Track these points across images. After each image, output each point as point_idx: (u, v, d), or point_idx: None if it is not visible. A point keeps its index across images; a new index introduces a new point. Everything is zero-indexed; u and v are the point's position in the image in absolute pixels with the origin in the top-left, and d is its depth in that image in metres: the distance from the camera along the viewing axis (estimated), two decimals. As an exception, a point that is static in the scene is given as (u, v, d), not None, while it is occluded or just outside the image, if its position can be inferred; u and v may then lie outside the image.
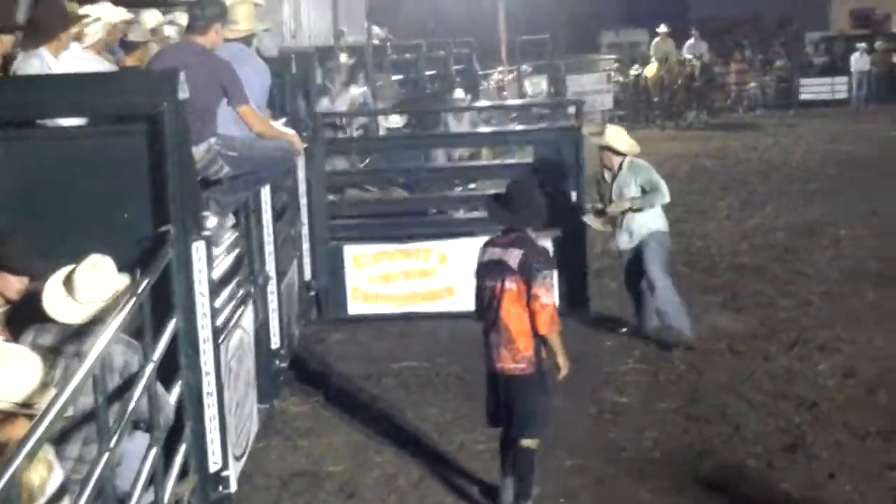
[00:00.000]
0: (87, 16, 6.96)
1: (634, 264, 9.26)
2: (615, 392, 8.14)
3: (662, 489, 6.47)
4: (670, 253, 9.55)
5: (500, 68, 26.46)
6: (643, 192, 9.14)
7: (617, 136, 9.32)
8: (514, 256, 5.99)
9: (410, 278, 10.33)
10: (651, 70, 27.42)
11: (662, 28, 27.43)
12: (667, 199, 9.27)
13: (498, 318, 6.03)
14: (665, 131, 26.05)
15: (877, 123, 25.20)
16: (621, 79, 30.27)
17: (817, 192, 16.24)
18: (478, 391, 7.49)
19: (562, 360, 6.10)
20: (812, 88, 30.96)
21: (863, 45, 30.36)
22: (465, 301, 8.12)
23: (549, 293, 6.01)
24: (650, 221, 9.17)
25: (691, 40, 28.73)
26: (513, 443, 6.12)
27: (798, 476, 6.53)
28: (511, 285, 5.98)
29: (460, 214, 11.27)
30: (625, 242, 9.28)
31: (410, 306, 10.34)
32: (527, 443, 6.06)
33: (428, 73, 20.11)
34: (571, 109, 13.92)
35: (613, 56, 33.07)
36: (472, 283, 6.40)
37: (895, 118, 25.89)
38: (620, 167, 9.20)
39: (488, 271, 6.14)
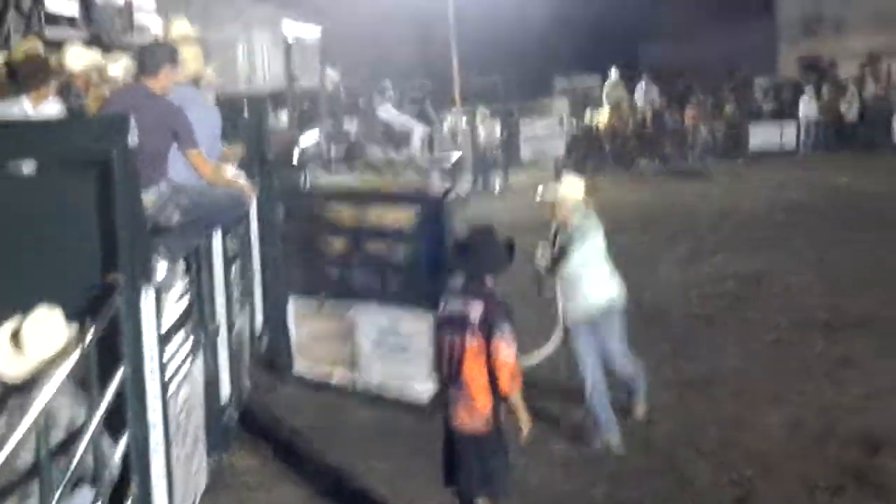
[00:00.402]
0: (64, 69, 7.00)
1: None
2: (566, 443, 8.12)
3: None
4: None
5: (454, 109, 26.36)
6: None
7: (574, 186, 8.20)
8: (475, 310, 5.86)
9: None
10: (603, 117, 27.66)
11: (613, 73, 27.70)
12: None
13: (459, 373, 5.88)
14: (616, 178, 26.26)
15: (823, 171, 25.56)
16: (574, 121, 30.45)
17: (766, 240, 16.38)
18: (429, 446, 7.45)
19: (523, 419, 5.97)
20: (761, 134, 31.36)
21: (810, 89, 30.85)
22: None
23: (510, 348, 5.81)
24: (608, 291, 8.11)
25: (642, 85, 29.03)
26: (469, 501, 6.01)
27: (749, 530, 6.55)
28: (472, 341, 5.84)
29: None
30: (577, 317, 8.15)
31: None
32: (482, 502, 5.97)
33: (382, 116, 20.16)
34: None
35: (566, 99, 33.28)
36: (432, 339, 6.29)
37: (841, 166, 26.31)
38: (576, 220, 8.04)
39: (449, 325, 5.99)
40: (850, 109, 31.07)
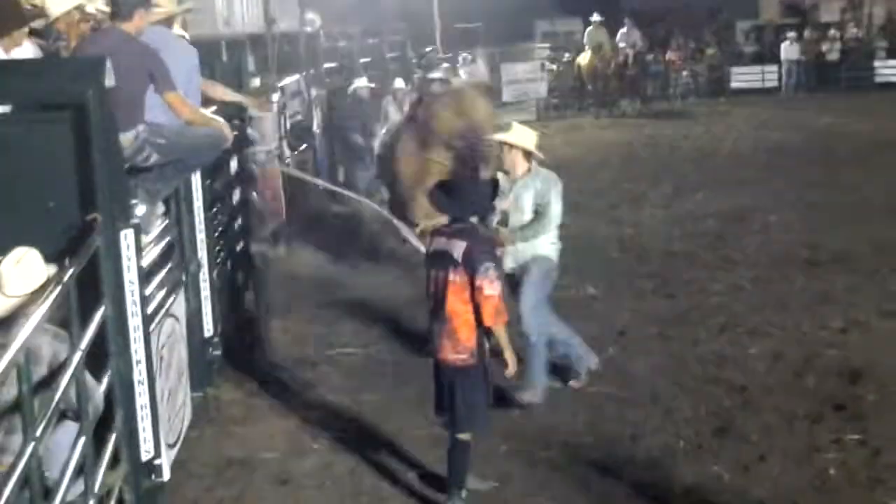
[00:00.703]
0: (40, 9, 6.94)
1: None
2: (548, 378, 8.18)
3: (595, 472, 6.53)
4: (553, 285, 8.04)
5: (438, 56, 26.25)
6: (535, 213, 7.71)
7: (525, 135, 7.87)
8: (457, 247, 5.98)
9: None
10: (584, 59, 27.62)
11: (596, 17, 27.62)
12: (550, 229, 7.75)
13: (442, 308, 6.02)
14: (598, 119, 26.32)
15: (805, 111, 25.65)
16: (555, 67, 30.40)
17: (747, 179, 16.45)
18: (415, 377, 7.56)
19: (508, 353, 6.11)
20: (743, 77, 31.39)
21: (792, 33, 30.81)
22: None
23: (493, 284, 5.94)
24: (535, 244, 7.79)
25: (624, 29, 28.95)
26: (454, 434, 6.11)
27: (728, 458, 6.62)
28: (454, 276, 5.97)
29: None
30: (507, 264, 7.77)
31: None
32: (463, 436, 6.09)
33: (362, 60, 20.02)
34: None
35: (547, 45, 33.22)
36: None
37: (823, 106, 26.41)
38: (526, 173, 7.78)
39: (434, 261, 6.15)
40: (831, 51, 31.05)
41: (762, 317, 9.41)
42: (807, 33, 31.64)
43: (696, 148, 20.57)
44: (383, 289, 10.76)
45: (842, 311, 9.45)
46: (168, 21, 7.48)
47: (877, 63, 30.63)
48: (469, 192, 6.31)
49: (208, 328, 7.91)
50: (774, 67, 30.83)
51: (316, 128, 15.76)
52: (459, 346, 6.00)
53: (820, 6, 38.46)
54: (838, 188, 15.21)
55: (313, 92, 15.72)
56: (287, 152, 13.93)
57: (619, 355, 8.62)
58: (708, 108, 27.70)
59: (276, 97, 13.41)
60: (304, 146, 14.91)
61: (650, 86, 30.03)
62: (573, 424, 7.28)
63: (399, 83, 15.92)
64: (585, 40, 28.29)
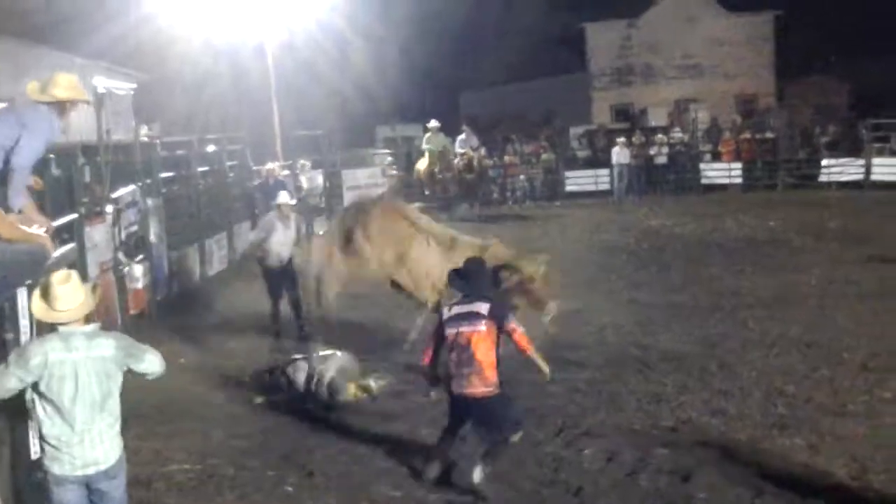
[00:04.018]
0: None
1: None
2: (390, 486, 8.15)
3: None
4: None
5: (276, 163, 26.33)
6: None
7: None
8: (482, 307, 8.02)
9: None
10: (423, 164, 28.06)
11: (433, 123, 28.15)
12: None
13: (469, 354, 7.91)
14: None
15: (636, 213, 26.54)
16: (395, 172, 30.83)
17: (581, 280, 16.84)
18: (252, 491, 7.41)
19: (542, 365, 8.17)
20: (577, 180, 32.39)
21: (622, 138, 32.01)
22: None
23: (521, 326, 8.12)
24: None
25: (462, 136, 29.55)
26: (501, 440, 8.04)
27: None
28: (482, 327, 7.95)
29: None
30: None
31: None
32: (515, 438, 8.09)
33: (200, 169, 19.89)
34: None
35: (388, 151, 33.71)
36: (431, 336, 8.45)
37: (653, 208, 27.44)
38: None
39: (459, 319, 8.04)
40: (659, 154, 32.37)
41: (596, 418, 9.60)
42: (635, 138, 32.90)
43: (532, 250, 20.95)
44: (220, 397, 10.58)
45: (671, 411, 9.73)
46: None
47: (702, 166, 32.02)
48: (479, 275, 8.43)
49: (35, 451, 7.57)
50: (607, 171, 31.87)
51: (153, 238, 15.52)
52: (488, 382, 7.93)
53: (648, 111, 40.26)
54: (668, 288, 15.77)
55: (150, 202, 15.51)
56: (124, 262, 13.68)
57: (459, 461, 8.63)
58: (544, 211, 28.40)
59: (109, 208, 13.20)
60: (140, 257, 14.66)
61: (488, 189, 30.64)
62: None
63: (284, 197, 14.98)
64: (424, 145, 28.77)
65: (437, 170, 27.58)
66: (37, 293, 5.94)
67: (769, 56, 42.42)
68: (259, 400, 10.62)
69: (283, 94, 29.74)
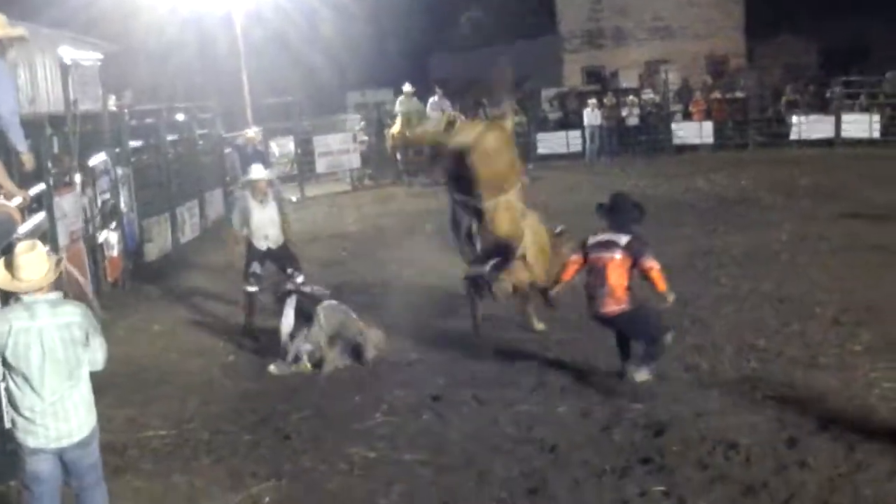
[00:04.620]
0: None
1: None
2: (365, 447, 8.18)
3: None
4: None
5: (256, 128, 26.15)
6: None
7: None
8: (622, 238, 9.09)
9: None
10: (395, 128, 27.98)
11: (407, 87, 28.06)
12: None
13: (604, 278, 9.04)
14: (412, 188, 26.64)
15: (608, 175, 26.57)
16: (367, 138, 30.75)
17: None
18: (228, 455, 7.43)
19: (669, 295, 9.20)
20: (548, 143, 32.38)
21: (593, 100, 31.99)
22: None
23: (655, 261, 9.06)
24: None
25: (434, 98, 29.44)
26: (652, 342, 9.26)
27: (539, 517, 6.74)
28: (617, 255, 9.04)
29: None
30: None
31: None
32: (668, 338, 9.37)
33: (170, 137, 19.78)
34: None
35: (359, 116, 33.59)
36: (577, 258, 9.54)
37: (625, 169, 27.50)
38: None
39: (597, 247, 9.20)
40: (630, 115, 32.39)
41: (570, 376, 9.66)
42: (607, 99, 32.89)
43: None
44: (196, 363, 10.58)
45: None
46: None
47: (674, 126, 32.04)
48: (625, 208, 9.36)
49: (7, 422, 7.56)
50: (578, 133, 31.89)
51: (124, 207, 15.44)
52: (620, 301, 9.05)
53: (619, 73, 40.24)
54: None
55: (119, 171, 15.41)
56: (99, 231, 13.63)
57: (434, 421, 8.69)
58: (516, 174, 28.29)
59: (77, 178, 13.13)
60: (113, 224, 14.61)
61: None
62: (389, 494, 7.27)
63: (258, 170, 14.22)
64: (396, 109, 28.69)
65: (409, 133, 27.48)
66: (0, 263, 5.96)
67: (739, 17, 42.38)
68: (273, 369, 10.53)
69: (252, 63, 29.58)
